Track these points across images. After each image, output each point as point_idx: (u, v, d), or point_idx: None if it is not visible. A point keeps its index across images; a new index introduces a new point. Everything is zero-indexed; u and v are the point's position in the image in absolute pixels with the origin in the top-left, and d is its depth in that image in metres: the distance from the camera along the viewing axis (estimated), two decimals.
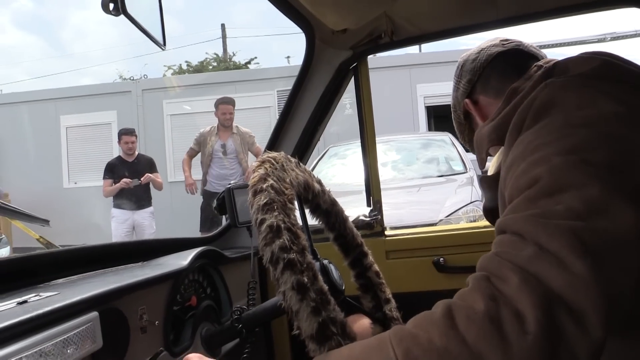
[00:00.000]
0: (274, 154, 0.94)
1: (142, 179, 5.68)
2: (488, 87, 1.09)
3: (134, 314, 0.90)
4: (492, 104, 1.06)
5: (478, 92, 1.11)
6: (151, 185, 5.90)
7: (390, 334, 0.66)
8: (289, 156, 0.98)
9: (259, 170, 0.88)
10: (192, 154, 5.87)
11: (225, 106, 5.62)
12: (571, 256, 0.60)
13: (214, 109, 5.71)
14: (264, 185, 0.84)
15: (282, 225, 0.79)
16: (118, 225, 5.78)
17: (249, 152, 5.81)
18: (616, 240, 0.63)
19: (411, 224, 3.19)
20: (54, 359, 0.69)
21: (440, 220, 3.55)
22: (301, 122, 1.42)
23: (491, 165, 1.02)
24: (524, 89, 0.91)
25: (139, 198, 5.81)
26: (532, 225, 0.64)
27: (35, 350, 0.66)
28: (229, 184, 1.30)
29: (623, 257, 0.63)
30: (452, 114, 1.19)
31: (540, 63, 0.99)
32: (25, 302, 0.75)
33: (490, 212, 0.99)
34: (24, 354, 0.65)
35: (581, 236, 0.61)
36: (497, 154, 0.98)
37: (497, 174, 0.92)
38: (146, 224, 5.88)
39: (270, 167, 0.89)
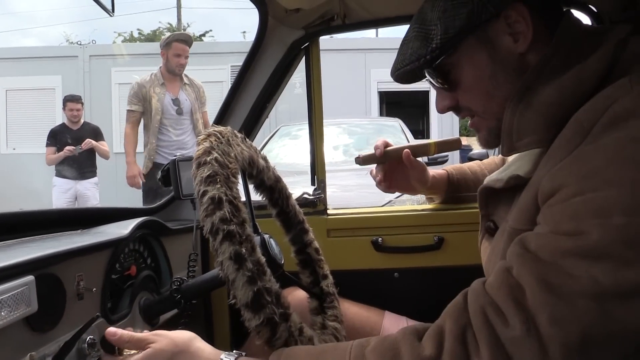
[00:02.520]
0: (220, 128, 0.96)
1: (82, 144, 5.41)
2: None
3: (71, 280, 0.90)
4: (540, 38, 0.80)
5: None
6: (97, 156, 5.68)
7: None
8: (235, 131, 1.00)
9: (204, 143, 0.89)
10: (136, 120, 4.17)
11: (180, 45, 4.11)
12: (559, 351, 0.56)
13: (161, 49, 4.19)
14: (208, 158, 0.86)
15: (224, 198, 0.81)
16: (60, 195, 5.56)
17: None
18: (623, 338, 0.56)
19: (360, 206, 3.26)
20: None
21: (386, 204, 3.63)
22: (250, 98, 1.43)
23: (517, 163, 0.84)
24: (592, 61, 0.73)
25: (83, 167, 5.58)
26: (541, 291, 0.58)
27: None
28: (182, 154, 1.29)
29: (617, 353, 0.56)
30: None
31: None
32: None
33: (487, 194, 0.89)
34: None
35: (587, 324, 0.55)
36: (531, 153, 0.80)
37: (529, 178, 0.77)
38: (89, 195, 5.66)
39: (215, 140, 0.91)
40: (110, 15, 0.88)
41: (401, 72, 0.89)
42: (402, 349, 0.65)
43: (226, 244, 0.78)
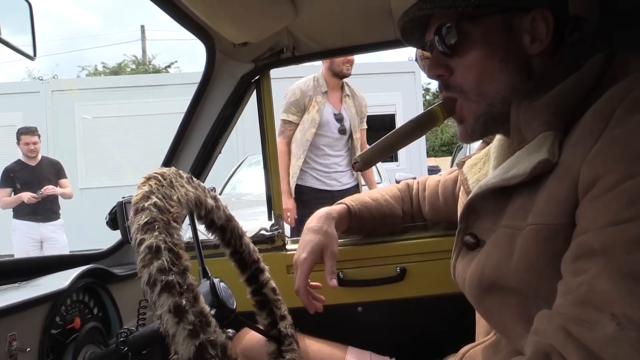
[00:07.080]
0: (162, 169, 0.91)
1: (43, 190, 4.99)
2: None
3: (2, 341, 0.84)
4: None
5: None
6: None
7: None
8: (180, 172, 0.96)
9: (143, 188, 0.85)
10: (292, 135, 3.39)
11: None
12: None
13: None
14: (146, 204, 0.81)
15: (163, 246, 0.77)
16: (22, 240, 5.14)
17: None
18: None
19: None
20: None
21: None
22: (200, 136, 1.38)
23: (517, 164, 0.77)
24: (587, 69, 0.75)
25: (46, 208, 5.17)
26: (627, 285, 0.54)
27: None
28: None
29: None
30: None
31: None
32: None
33: (477, 202, 0.84)
34: None
35: None
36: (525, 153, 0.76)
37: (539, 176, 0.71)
38: (57, 237, 5.26)
39: (156, 184, 0.86)
40: (32, 60, 0.84)
41: (413, 16, 0.87)
42: None
43: (165, 296, 0.73)
